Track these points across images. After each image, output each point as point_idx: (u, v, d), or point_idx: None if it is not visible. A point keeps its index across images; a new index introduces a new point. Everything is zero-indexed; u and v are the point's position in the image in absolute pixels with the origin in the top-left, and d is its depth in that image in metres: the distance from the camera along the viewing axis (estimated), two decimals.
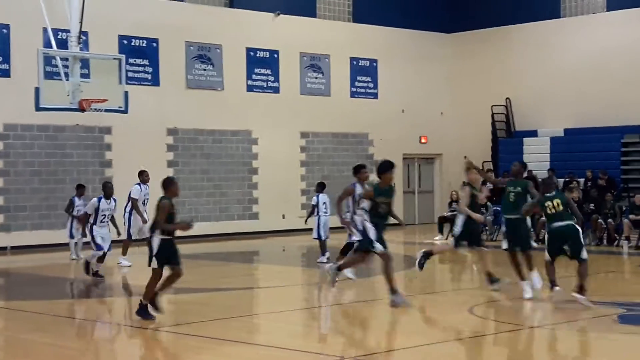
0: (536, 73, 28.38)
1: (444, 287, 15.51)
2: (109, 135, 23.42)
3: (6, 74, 21.91)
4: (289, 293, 14.50)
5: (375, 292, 14.17)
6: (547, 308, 12.32)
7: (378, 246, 11.77)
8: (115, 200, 16.08)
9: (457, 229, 13.08)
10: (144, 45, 24.22)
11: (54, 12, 18.22)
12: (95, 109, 17.52)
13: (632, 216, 20.71)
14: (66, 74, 17.34)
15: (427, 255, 13.33)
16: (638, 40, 26.21)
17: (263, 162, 26.18)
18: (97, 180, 22.81)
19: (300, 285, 15.89)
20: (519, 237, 12.70)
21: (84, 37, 18.15)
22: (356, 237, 13.28)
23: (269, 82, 26.63)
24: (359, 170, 14.12)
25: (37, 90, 16.98)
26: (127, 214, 17.27)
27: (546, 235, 11.81)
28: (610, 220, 21.15)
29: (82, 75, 17.62)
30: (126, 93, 17.81)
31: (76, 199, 19.19)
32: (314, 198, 17.94)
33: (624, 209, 21.60)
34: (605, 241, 20.95)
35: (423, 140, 30.14)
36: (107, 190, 16.09)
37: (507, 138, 28.61)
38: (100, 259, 15.50)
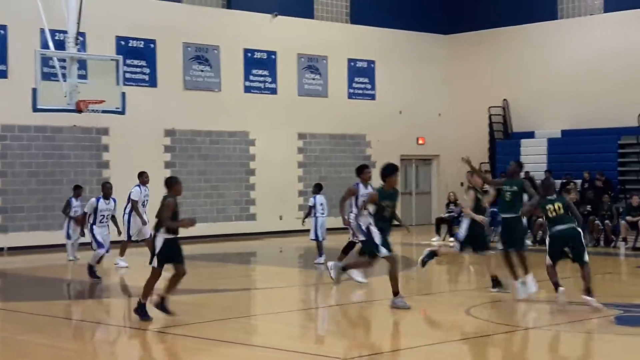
0: (533, 74, 28.41)
1: (441, 288, 15.51)
2: (106, 136, 23.41)
3: (3, 75, 21.90)
4: (286, 294, 14.50)
5: (373, 294, 14.17)
6: (544, 309, 12.34)
7: (383, 250, 11.74)
8: (114, 200, 16.08)
9: (462, 233, 13.04)
10: (141, 46, 24.21)
11: (51, 13, 18.22)
12: (93, 110, 17.51)
13: (629, 217, 20.73)
14: (63, 75, 17.33)
15: (432, 255, 13.34)
16: (635, 42, 26.26)
17: (260, 163, 26.18)
18: (94, 181, 22.83)
19: (298, 286, 15.89)
20: (514, 237, 12.68)
21: (81, 38, 18.14)
22: (360, 237, 13.33)
23: (267, 83, 26.63)
24: (362, 170, 14.04)
25: (34, 91, 16.98)
26: (126, 215, 17.24)
27: (547, 239, 11.66)
28: (607, 221, 21.17)
29: (80, 76, 17.62)
30: (123, 94, 17.81)
31: (73, 200, 19.17)
32: (311, 199, 17.94)
33: (620, 210, 21.62)
34: (602, 242, 20.97)
35: (420, 142, 30.16)
36: (106, 191, 16.12)
37: (504, 139, 28.63)
38: (98, 260, 15.49)
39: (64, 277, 17.39)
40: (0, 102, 21.70)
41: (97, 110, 17.58)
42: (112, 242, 16.14)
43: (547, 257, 11.63)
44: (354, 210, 13.81)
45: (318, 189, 18.05)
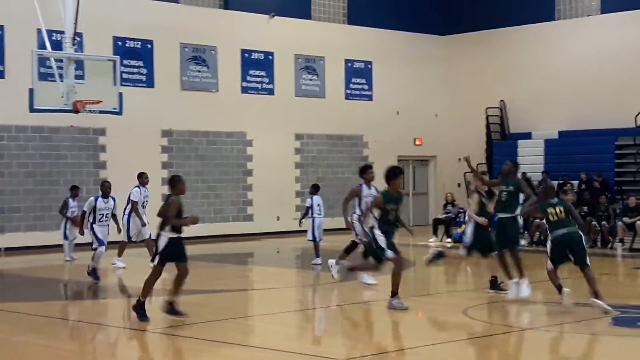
0: (531, 75, 28.43)
1: (439, 289, 15.51)
2: (104, 136, 23.39)
3: (0, 75, 21.88)
4: (283, 295, 14.50)
5: (370, 294, 14.17)
6: (541, 310, 12.34)
7: (389, 253, 11.69)
8: (113, 199, 16.05)
9: (468, 238, 13.00)
10: (138, 46, 24.20)
11: (48, 13, 18.20)
12: (90, 111, 17.50)
13: (625, 219, 20.74)
14: (60, 75, 17.32)
15: (440, 255, 13.35)
16: (632, 43, 26.28)
17: (258, 163, 26.17)
18: (91, 182, 22.84)
19: (295, 287, 15.88)
20: (508, 237, 12.58)
21: (78, 39, 18.11)
22: (364, 239, 13.37)
23: (264, 84, 26.62)
24: (365, 170, 13.99)
25: (31, 91, 16.96)
26: (125, 216, 17.19)
27: (549, 243, 11.47)
28: (604, 222, 21.19)
29: (77, 77, 17.61)
30: (120, 94, 17.80)
31: (70, 200, 19.16)
32: (308, 200, 17.93)
33: (617, 211, 21.64)
34: (599, 243, 20.99)
35: (418, 142, 30.17)
36: (104, 190, 16.11)
37: (501, 140, 28.64)
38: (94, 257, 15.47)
39: (61, 277, 17.38)
40: None
41: (94, 110, 17.56)
42: (111, 243, 16.10)
43: (549, 262, 11.46)
44: (357, 211, 13.78)
45: (315, 189, 18.04)
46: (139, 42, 24.20)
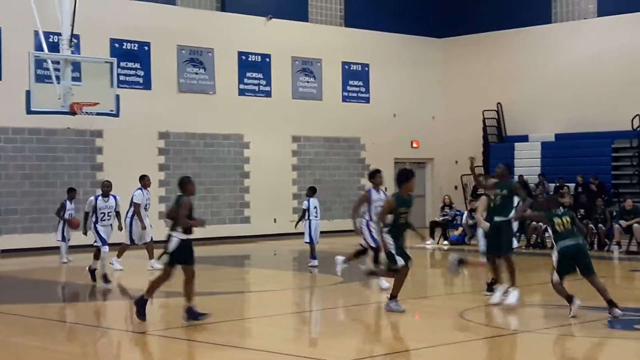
0: (527, 78, 28.47)
1: (436, 291, 15.51)
2: (100, 138, 23.39)
3: None
4: (280, 297, 14.49)
5: (367, 296, 14.17)
6: (538, 313, 12.35)
7: (399, 261, 11.64)
8: (114, 197, 15.97)
9: (482, 244, 12.91)
10: (135, 48, 24.20)
11: (45, 15, 18.20)
12: (87, 112, 17.50)
13: (622, 221, 20.76)
14: (57, 77, 17.32)
15: (461, 262, 13.32)
16: (628, 46, 26.33)
17: (254, 166, 26.18)
18: (88, 184, 22.85)
19: (292, 289, 15.87)
20: (500, 240, 12.33)
21: (75, 40, 18.13)
22: (372, 244, 13.36)
23: (261, 86, 26.63)
24: (374, 175, 13.90)
25: (28, 93, 16.96)
26: (128, 219, 17.14)
27: (556, 255, 11.28)
28: (600, 225, 21.21)
29: (74, 79, 17.61)
30: (117, 96, 17.80)
31: (67, 202, 19.14)
32: (305, 202, 17.93)
33: (614, 214, 21.66)
34: (595, 246, 21.00)
35: (415, 145, 30.19)
36: (103, 189, 16.07)
37: (498, 143, 28.66)
38: (96, 256, 15.45)
39: (57, 279, 17.35)
40: None
41: (91, 112, 17.57)
42: (113, 244, 16.05)
43: (555, 274, 11.25)
44: (366, 216, 13.74)
45: (312, 192, 18.04)
46: (136, 44, 24.20)
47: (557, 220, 11.32)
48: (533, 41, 28.40)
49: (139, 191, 17.34)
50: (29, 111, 17.18)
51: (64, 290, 16.10)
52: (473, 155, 13.82)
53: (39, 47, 18.42)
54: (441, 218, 24.29)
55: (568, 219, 11.36)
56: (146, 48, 24.39)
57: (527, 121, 28.26)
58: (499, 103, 28.94)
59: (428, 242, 23.10)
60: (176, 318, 11.60)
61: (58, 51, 17.71)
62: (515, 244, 12.58)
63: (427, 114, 30.23)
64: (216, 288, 15.28)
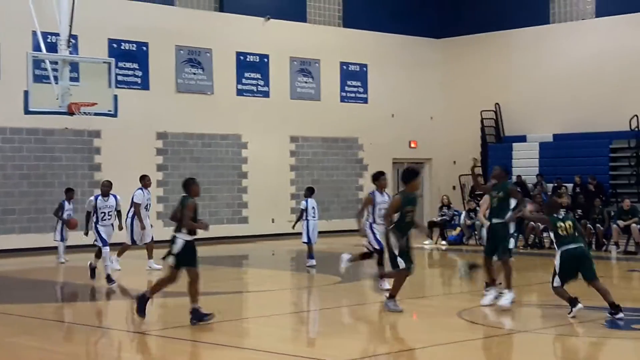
0: (525, 78, 28.48)
1: (434, 291, 15.51)
2: (98, 138, 23.37)
3: None
4: (278, 297, 14.49)
5: (365, 296, 14.18)
6: (536, 313, 12.35)
7: (401, 264, 11.67)
8: (115, 196, 15.91)
9: (486, 243, 12.85)
10: (133, 49, 24.19)
11: (43, 15, 18.17)
12: (85, 113, 17.46)
13: (620, 221, 20.77)
14: (55, 78, 17.29)
15: (474, 266, 13.31)
16: (627, 46, 26.34)
17: (253, 166, 26.17)
18: (86, 184, 22.85)
19: (290, 289, 15.88)
20: (496, 243, 12.19)
21: (73, 41, 18.09)
22: (375, 246, 13.34)
23: (259, 87, 26.63)
24: (378, 177, 13.86)
25: (26, 93, 16.92)
26: (129, 219, 17.11)
27: (558, 259, 11.21)
28: (598, 225, 21.22)
29: (72, 79, 17.58)
30: (115, 97, 17.76)
31: (66, 202, 19.12)
32: (303, 202, 17.94)
33: (612, 214, 21.67)
34: (593, 246, 21.00)
35: (413, 145, 30.19)
36: (102, 189, 16.03)
37: (496, 143, 28.67)
38: (98, 255, 15.43)
39: (55, 279, 17.34)
40: None
41: (89, 112, 17.53)
42: (114, 244, 16.04)
43: (557, 278, 11.20)
44: (370, 219, 13.72)
45: (310, 192, 18.04)
46: (134, 45, 24.20)
47: (560, 224, 11.27)
48: (531, 42, 28.41)
49: (140, 191, 17.33)
50: (27, 111, 17.15)
51: (62, 290, 16.09)
52: (476, 157, 13.78)
53: (37, 48, 18.40)
54: (439, 218, 24.30)
55: (571, 224, 11.34)
56: (144, 48, 24.38)
57: (525, 121, 28.27)
58: (497, 103, 28.95)
59: (426, 242, 23.09)
60: (174, 318, 11.61)
61: (56, 51, 17.68)
62: (512, 244, 12.44)
63: (425, 114, 30.24)
64: (214, 288, 15.25)
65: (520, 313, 12.08)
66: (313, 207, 17.76)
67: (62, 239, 19.10)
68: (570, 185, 24.51)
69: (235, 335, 10.70)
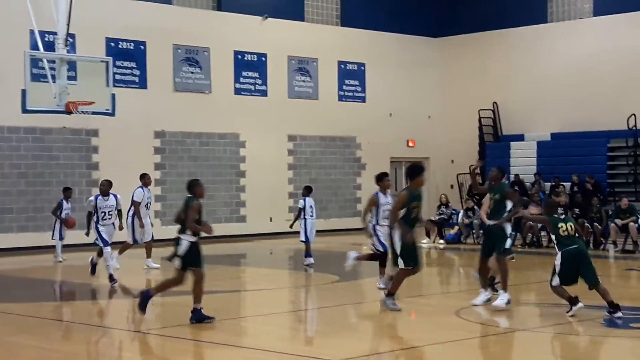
0: (523, 78, 28.49)
1: (432, 290, 15.51)
2: (96, 137, 23.35)
3: None
4: (276, 296, 14.50)
5: (363, 295, 14.18)
6: (534, 312, 12.36)
7: (400, 263, 11.68)
8: (115, 196, 15.82)
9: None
10: (131, 47, 24.17)
11: (41, 14, 18.15)
12: (82, 112, 17.44)
13: (618, 220, 20.78)
14: (53, 76, 17.27)
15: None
16: (624, 46, 26.36)
17: (251, 165, 26.16)
18: (83, 183, 22.83)
19: (288, 288, 15.87)
20: (491, 244, 12.15)
21: (71, 40, 18.06)
22: (379, 248, 13.33)
23: (257, 85, 26.62)
24: (381, 178, 13.83)
25: (23, 92, 16.90)
26: (129, 218, 17.07)
27: (558, 260, 11.21)
28: (596, 224, 21.23)
29: (69, 78, 17.56)
30: (113, 95, 17.75)
31: (64, 202, 19.10)
32: (301, 201, 17.93)
33: (610, 213, 21.69)
34: (591, 245, 21.01)
35: (411, 144, 30.19)
36: (100, 188, 15.94)
37: (494, 142, 28.69)
38: (100, 253, 15.40)
39: (53, 278, 17.33)
40: None
41: (86, 111, 17.51)
42: (115, 243, 16.03)
43: (556, 278, 11.18)
44: (373, 220, 13.70)
45: (308, 191, 18.03)
46: (132, 43, 24.18)
47: (561, 225, 11.27)
48: (529, 41, 28.42)
49: (140, 189, 17.32)
50: (25, 110, 17.13)
51: (60, 289, 16.08)
52: (481, 159, 13.76)
53: (34, 46, 18.38)
54: (437, 217, 24.30)
55: (572, 224, 11.36)
56: (142, 47, 24.37)
57: (523, 120, 28.29)
58: (495, 102, 28.96)
59: (424, 241, 23.09)
60: (172, 317, 11.61)
61: (54, 50, 17.68)
62: (509, 244, 12.36)
63: (423, 113, 30.24)
64: (212, 287, 15.20)
65: (519, 312, 12.09)
66: (311, 206, 17.75)
67: (61, 238, 19.09)
68: (568, 184, 24.52)
69: (233, 334, 10.69)
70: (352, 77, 28.86)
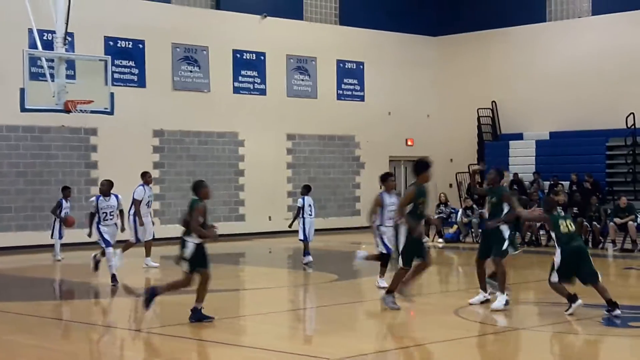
0: (522, 76, 28.49)
1: (431, 289, 15.50)
2: (95, 136, 23.35)
3: None
4: (275, 295, 14.50)
5: (362, 294, 14.19)
6: (532, 311, 12.37)
7: (399, 262, 11.69)
8: (116, 196, 15.76)
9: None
10: (130, 46, 24.16)
11: (39, 13, 18.14)
12: (81, 110, 17.44)
13: (616, 219, 20.79)
14: (52, 75, 17.26)
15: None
16: (623, 44, 26.37)
17: (249, 164, 26.16)
18: (82, 182, 22.83)
19: (287, 287, 15.88)
20: (487, 246, 12.12)
21: (69, 38, 18.07)
22: (383, 250, 13.36)
23: (256, 84, 26.61)
24: (386, 178, 13.79)
25: (22, 91, 16.90)
26: (131, 217, 17.05)
27: (558, 255, 11.22)
28: (595, 223, 21.24)
29: (68, 77, 17.57)
30: (112, 94, 17.75)
31: (63, 201, 19.08)
32: (300, 200, 17.93)
33: (608, 211, 21.70)
34: (590, 244, 21.02)
35: (409, 143, 30.19)
36: (101, 188, 15.88)
37: (492, 141, 28.69)
38: (103, 253, 15.40)
39: (52, 277, 17.33)
40: None
41: (85, 110, 17.51)
42: (119, 241, 16.02)
43: (555, 274, 11.19)
44: (377, 221, 13.69)
45: (306, 190, 18.03)
46: (131, 42, 24.17)
47: (562, 222, 11.31)
48: (528, 40, 28.43)
49: (141, 187, 17.32)
50: (23, 109, 17.12)
51: (59, 288, 16.08)
52: (483, 162, 13.78)
53: (33, 45, 18.35)
54: (436, 216, 24.28)
55: (571, 222, 11.41)
56: (141, 46, 24.36)
57: (521, 119, 28.29)
58: (494, 101, 28.96)
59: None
60: (172, 316, 11.60)
61: (52, 49, 17.66)
62: (506, 245, 12.28)
63: (421, 112, 30.25)
64: (211, 286, 15.23)
65: (517, 311, 12.09)
66: (310, 205, 17.75)
67: (60, 237, 19.09)
68: (566, 183, 24.53)
69: (232, 333, 10.69)
70: (351, 75, 28.86)
